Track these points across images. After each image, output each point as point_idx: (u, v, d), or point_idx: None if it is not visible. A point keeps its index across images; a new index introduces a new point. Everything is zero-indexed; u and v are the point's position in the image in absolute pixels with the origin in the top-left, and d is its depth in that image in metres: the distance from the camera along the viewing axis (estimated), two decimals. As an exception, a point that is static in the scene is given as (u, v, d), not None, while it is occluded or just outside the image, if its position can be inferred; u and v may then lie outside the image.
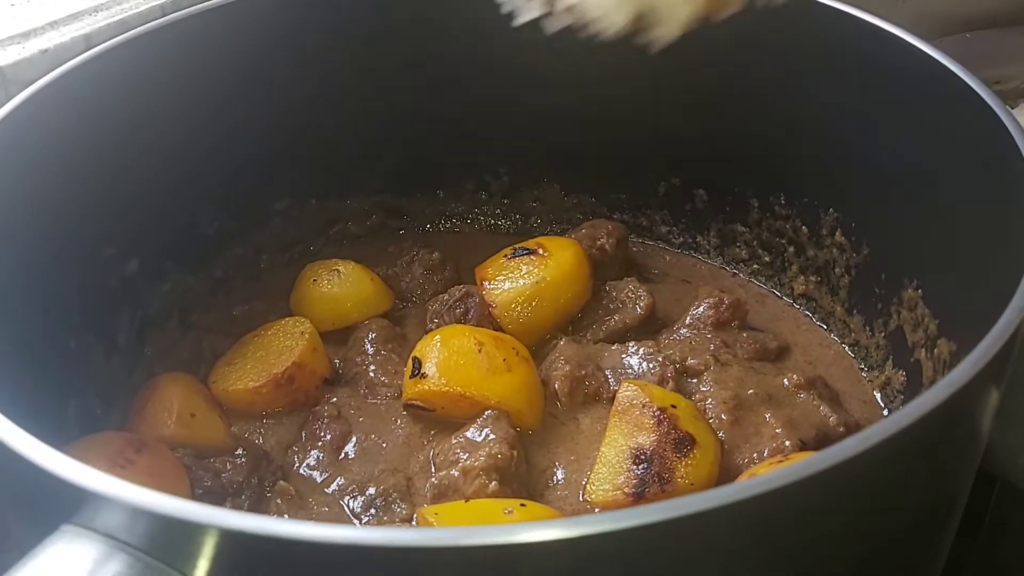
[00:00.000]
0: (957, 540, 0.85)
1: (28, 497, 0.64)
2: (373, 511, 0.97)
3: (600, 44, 1.21)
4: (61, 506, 0.59)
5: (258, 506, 0.98)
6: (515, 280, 1.14)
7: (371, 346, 1.14)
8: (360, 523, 0.96)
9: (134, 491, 0.56)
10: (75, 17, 1.18)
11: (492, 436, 0.98)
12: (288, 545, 0.54)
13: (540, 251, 1.16)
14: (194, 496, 0.95)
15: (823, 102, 1.11)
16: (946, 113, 0.95)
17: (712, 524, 0.57)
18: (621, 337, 1.15)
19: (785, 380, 1.07)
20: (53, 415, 0.99)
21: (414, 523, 0.94)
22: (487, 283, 1.16)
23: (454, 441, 1.00)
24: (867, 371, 1.14)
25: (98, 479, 0.57)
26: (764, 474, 0.58)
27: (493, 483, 0.93)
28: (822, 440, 0.99)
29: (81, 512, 0.59)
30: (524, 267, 1.15)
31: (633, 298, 1.18)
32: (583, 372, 1.07)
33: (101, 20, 1.16)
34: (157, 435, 1.00)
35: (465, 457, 0.96)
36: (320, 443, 1.05)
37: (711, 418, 1.02)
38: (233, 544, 0.55)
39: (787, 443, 0.98)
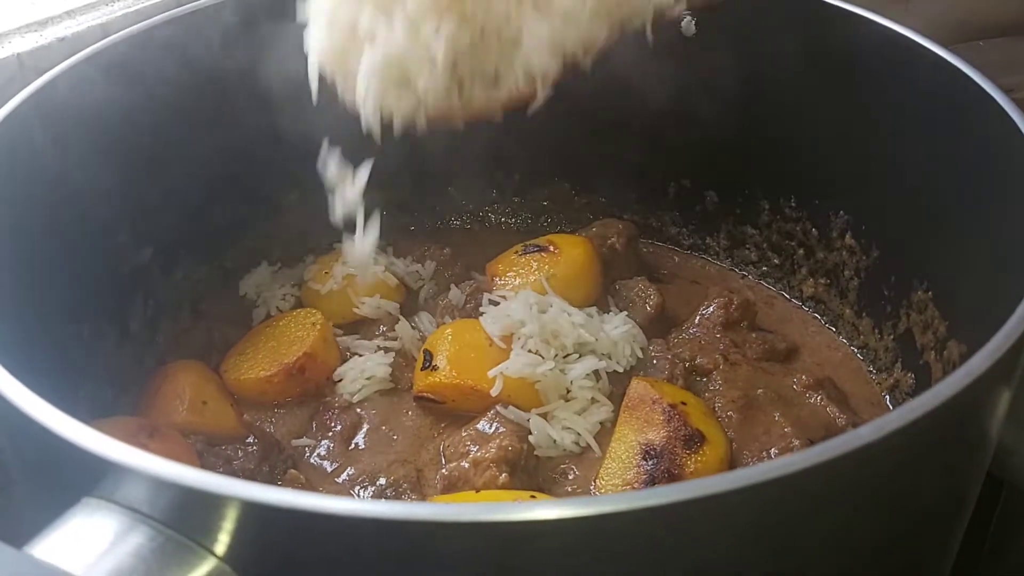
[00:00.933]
0: (965, 544, 0.85)
1: (51, 469, 0.65)
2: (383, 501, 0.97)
3: (612, 47, 1.23)
4: (84, 478, 0.60)
5: (268, 494, 0.99)
6: (526, 276, 1.15)
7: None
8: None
9: (156, 463, 0.57)
10: (92, 7, 1.19)
11: (502, 429, 0.98)
12: (308, 518, 0.54)
13: (551, 248, 1.17)
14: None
15: (835, 105, 1.12)
16: (960, 118, 0.96)
17: (721, 507, 0.57)
18: (630, 335, 1.16)
19: (794, 380, 1.08)
20: (65, 400, 0.98)
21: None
22: (498, 279, 1.16)
23: (464, 433, 1.00)
24: (876, 373, 1.15)
25: (122, 451, 0.57)
26: (774, 460, 0.58)
27: (503, 475, 0.93)
28: (831, 440, 0.99)
29: (103, 484, 0.59)
30: (535, 263, 1.16)
31: (643, 297, 1.18)
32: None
33: (118, 10, 1.18)
34: (168, 422, 1.01)
35: (475, 449, 0.97)
36: (331, 433, 1.05)
37: (720, 416, 1.02)
38: (254, 516, 0.55)
39: (795, 442, 0.99)
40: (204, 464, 0.98)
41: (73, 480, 0.60)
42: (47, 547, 0.57)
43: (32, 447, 0.64)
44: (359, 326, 1.17)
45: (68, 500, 0.60)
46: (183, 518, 0.57)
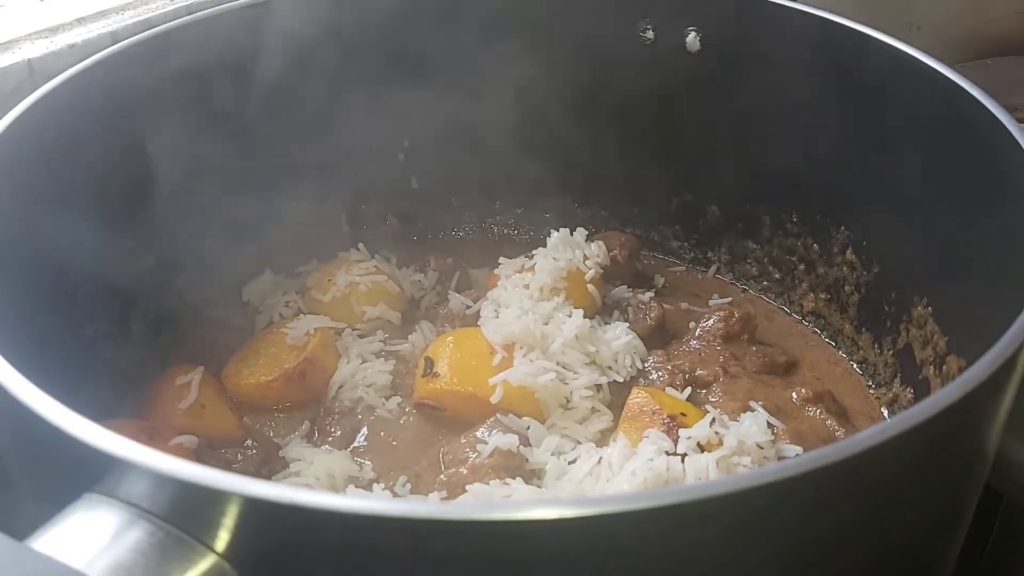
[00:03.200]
0: (964, 556, 0.85)
1: (53, 465, 0.65)
2: (381, 506, 0.97)
3: (615, 63, 1.25)
4: (85, 474, 0.60)
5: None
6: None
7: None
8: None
9: (158, 458, 0.57)
10: (102, 14, 1.20)
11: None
12: (309, 514, 0.54)
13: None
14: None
15: (837, 121, 1.13)
16: (962, 136, 0.97)
17: (717, 510, 0.58)
18: (631, 347, 1.16)
19: (793, 394, 1.08)
20: (68, 401, 0.99)
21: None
22: (500, 289, 1.17)
23: (463, 440, 1.00)
24: (875, 388, 1.15)
25: (124, 446, 0.58)
26: (769, 465, 0.59)
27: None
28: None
29: (105, 480, 0.59)
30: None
31: (644, 309, 1.19)
32: (594, 379, 1.08)
33: (128, 18, 1.19)
34: (168, 424, 1.01)
35: (474, 456, 0.97)
36: (330, 438, 1.05)
37: (719, 429, 1.02)
38: (255, 513, 0.56)
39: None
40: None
41: (75, 475, 0.61)
42: (48, 541, 0.57)
43: (35, 442, 0.65)
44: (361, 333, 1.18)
45: (69, 495, 0.60)
46: (183, 514, 0.58)
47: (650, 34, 1.22)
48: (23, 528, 0.59)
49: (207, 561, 0.58)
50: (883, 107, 1.07)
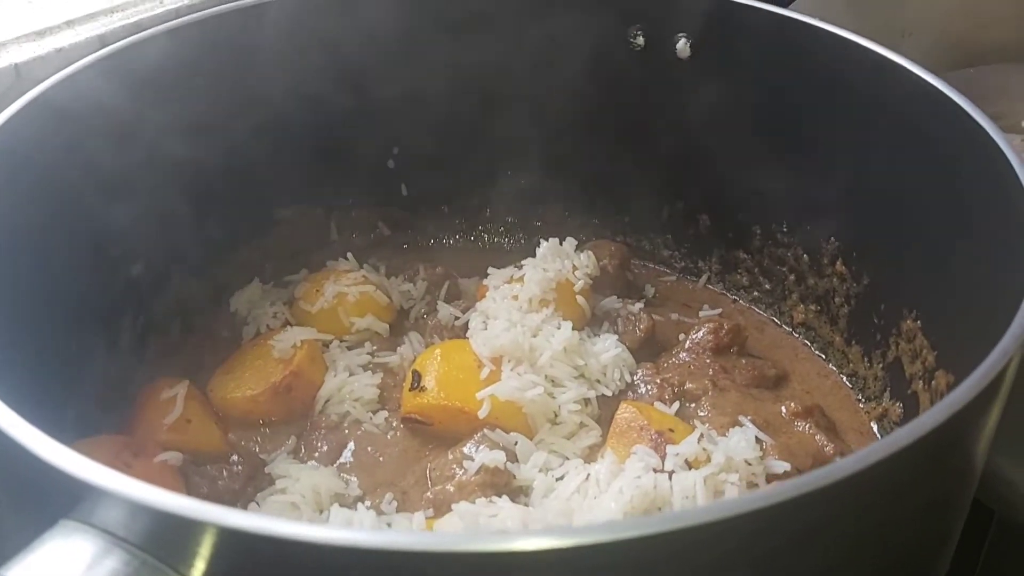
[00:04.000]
0: (956, 574, 0.85)
1: (28, 490, 0.64)
2: (367, 523, 0.96)
3: (606, 70, 1.24)
4: (61, 500, 0.59)
5: (253, 515, 0.98)
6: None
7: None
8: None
9: (134, 486, 0.56)
10: (91, 17, 1.19)
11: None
12: (286, 545, 0.54)
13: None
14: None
15: (828, 131, 1.13)
16: (949, 146, 0.97)
17: (706, 538, 0.57)
18: (620, 359, 1.15)
19: (783, 408, 1.08)
20: (52, 417, 0.97)
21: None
22: (489, 299, 1.16)
23: (450, 456, 1.00)
24: (864, 402, 1.14)
25: (100, 474, 0.57)
26: (758, 491, 0.58)
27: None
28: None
29: (80, 507, 0.59)
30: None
31: (633, 320, 1.18)
32: (582, 392, 1.07)
33: (116, 21, 1.18)
34: (153, 440, 1.01)
35: (461, 472, 0.97)
36: (316, 454, 1.05)
37: (708, 443, 1.02)
38: (231, 543, 0.55)
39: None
40: (189, 484, 0.97)
41: (51, 501, 0.60)
42: (24, 570, 0.57)
43: (9, 467, 0.64)
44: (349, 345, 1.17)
45: (45, 522, 0.59)
46: (159, 543, 0.57)
47: (640, 40, 1.22)
48: (3, 551, 0.59)
49: (183, 591, 0.57)
50: (871, 118, 1.07)
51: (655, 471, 0.91)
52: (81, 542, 0.58)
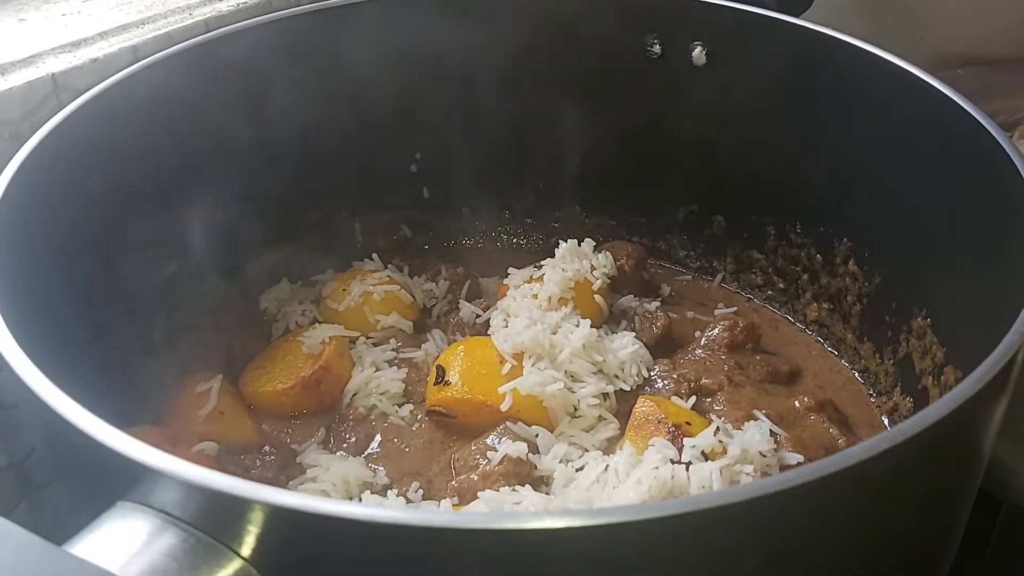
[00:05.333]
0: (963, 563, 0.87)
1: (87, 474, 0.68)
2: (395, 511, 1.00)
3: (623, 77, 1.28)
4: (119, 482, 0.63)
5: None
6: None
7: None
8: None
9: (189, 468, 0.60)
10: (123, 28, 1.23)
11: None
12: (329, 522, 0.57)
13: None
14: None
15: (839, 135, 1.16)
16: (954, 146, 0.99)
17: (722, 520, 0.60)
18: (638, 356, 1.19)
19: (796, 402, 1.11)
20: (93, 410, 1.02)
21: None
22: (509, 298, 1.20)
23: (474, 447, 1.04)
24: (876, 397, 1.17)
25: (157, 457, 0.61)
26: (773, 476, 0.61)
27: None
28: (831, 461, 1.02)
29: (136, 488, 0.63)
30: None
31: (650, 318, 1.22)
32: (601, 387, 1.11)
33: (148, 32, 1.22)
34: (189, 431, 1.05)
35: (485, 463, 1.00)
36: (345, 445, 1.09)
37: (723, 436, 1.05)
38: (278, 520, 0.59)
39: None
40: (224, 473, 1.00)
41: (108, 484, 0.64)
42: (85, 546, 0.61)
43: (69, 451, 0.68)
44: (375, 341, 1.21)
45: (104, 503, 0.63)
46: (212, 520, 0.61)
47: (657, 48, 1.25)
48: (61, 532, 0.63)
49: (234, 565, 0.61)
50: (880, 120, 1.10)
51: (673, 462, 0.94)
52: (139, 521, 0.61)
